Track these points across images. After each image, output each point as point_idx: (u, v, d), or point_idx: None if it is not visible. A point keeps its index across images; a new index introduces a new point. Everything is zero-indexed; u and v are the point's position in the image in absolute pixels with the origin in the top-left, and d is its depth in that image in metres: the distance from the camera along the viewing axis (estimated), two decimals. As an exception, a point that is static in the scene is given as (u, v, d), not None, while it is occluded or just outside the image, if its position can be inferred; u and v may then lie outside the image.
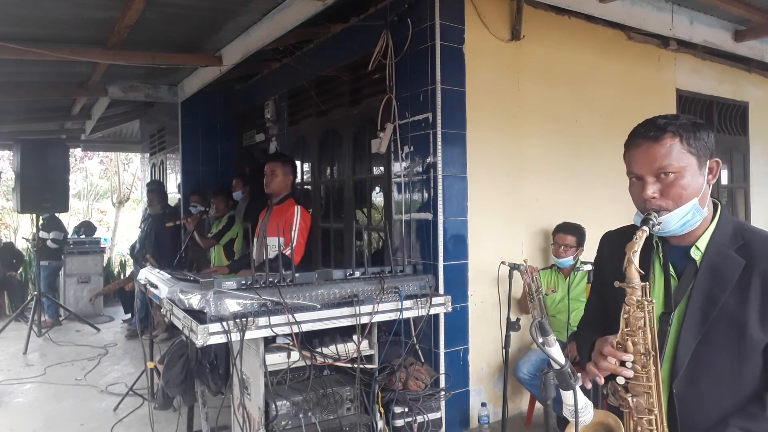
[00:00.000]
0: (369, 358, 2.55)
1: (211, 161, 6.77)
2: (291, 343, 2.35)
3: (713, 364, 1.31)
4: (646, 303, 1.29)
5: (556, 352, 1.49)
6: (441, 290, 3.38)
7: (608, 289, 1.43)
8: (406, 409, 2.62)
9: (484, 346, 3.72)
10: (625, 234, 1.44)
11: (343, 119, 4.66)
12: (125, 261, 10.45)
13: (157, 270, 3.06)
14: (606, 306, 1.51)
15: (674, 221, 1.31)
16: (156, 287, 2.70)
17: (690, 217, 1.31)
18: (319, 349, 2.42)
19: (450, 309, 2.69)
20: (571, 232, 3.70)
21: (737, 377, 1.29)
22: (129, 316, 6.98)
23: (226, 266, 4.11)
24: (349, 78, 4.49)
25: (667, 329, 1.34)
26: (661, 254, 1.40)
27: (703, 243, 1.35)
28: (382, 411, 2.57)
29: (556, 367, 1.49)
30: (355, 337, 2.45)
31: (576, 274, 3.66)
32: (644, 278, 1.32)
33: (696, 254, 1.35)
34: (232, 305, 2.16)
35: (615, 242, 1.49)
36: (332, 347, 2.44)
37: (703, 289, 1.32)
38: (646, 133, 1.33)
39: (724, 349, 1.30)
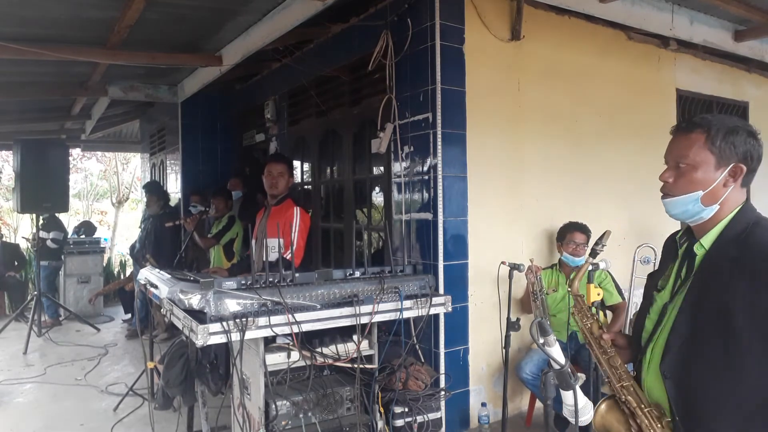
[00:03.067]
0: (369, 358, 2.55)
1: (211, 161, 6.77)
2: (291, 343, 2.35)
3: (704, 356, 1.34)
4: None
5: (556, 352, 1.50)
6: (441, 290, 3.38)
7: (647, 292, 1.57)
8: (406, 409, 2.62)
9: (484, 346, 3.72)
10: (678, 232, 1.54)
11: (343, 119, 4.66)
12: (125, 261, 10.45)
13: (157, 270, 3.05)
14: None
15: (675, 208, 1.42)
16: (156, 287, 2.70)
17: (690, 208, 1.39)
18: (319, 349, 2.42)
19: (450, 309, 2.69)
20: (585, 231, 3.75)
21: (732, 371, 1.30)
22: (129, 316, 6.98)
23: (226, 269, 4.12)
24: (349, 78, 4.49)
25: (662, 319, 1.43)
26: (681, 248, 1.49)
27: (708, 239, 1.40)
28: (382, 411, 2.57)
29: (556, 367, 1.50)
30: (355, 337, 2.45)
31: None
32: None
33: (699, 250, 1.41)
34: (232, 305, 2.16)
35: (669, 241, 1.58)
36: (332, 347, 2.44)
37: (698, 284, 1.38)
38: (680, 125, 1.44)
39: (713, 343, 1.32)
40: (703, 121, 1.38)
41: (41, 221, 7.15)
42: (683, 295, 1.40)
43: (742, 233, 1.35)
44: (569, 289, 1.63)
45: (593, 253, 1.68)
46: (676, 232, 1.55)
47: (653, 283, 1.53)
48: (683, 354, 1.36)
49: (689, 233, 1.47)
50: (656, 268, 1.63)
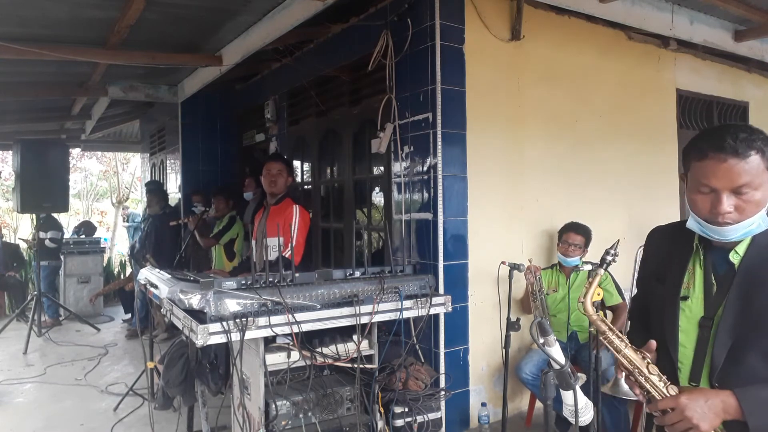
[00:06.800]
0: (369, 358, 2.55)
1: (211, 161, 6.77)
2: (291, 343, 2.35)
3: (747, 364, 1.30)
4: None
5: (556, 352, 1.50)
6: (441, 290, 3.38)
7: (649, 284, 1.55)
8: (406, 409, 2.62)
9: (484, 346, 3.72)
10: (674, 231, 1.50)
11: (343, 119, 4.66)
12: (125, 261, 10.45)
13: (157, 270, 3.06)
14: (646, 299, 1.59)
15: (740, 231, 1.32)
16: (156, 287, 2.70)
17: (755, 227, 1.32)
18: (319, 349, 2.42)
19: (450, 309, 2.69)
20: (581, 232, 3.71)
21: None
22: (129, 316, 6.98)
23: (228, 272, 4.13)
24: (349, 78, 4.49)
25: (707, 334, 1.37)
26: (702, 257, 1.42)
27: (742, 247, 1.35)
28: (382, 411, 2.56)
29: (556, 367, 1.50)
30: (355, 337, 2.45)
31: (578, 274, 3.65)
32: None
33: (735, 258, 1.36)
34: (232, 305, 2.16)
35: (662, 239, 1.56)
36: (332, 347, 2.44)
37: (740, 291, 1.33)
38: (734, 149, 1.26)
39: (757, 350, 1.29)
40: (752, 140, 1.27)
41: (39, 221, 7.15)
42: (723, 306, 1.35)
43: None
44: (584, 313, 1.55)
45: (603, 262, 1.62)
46: (676, 226, 1.50)
47: (668, 281, 1.46)
48: (726, 366, 1.32)
49: (703, 239, 1.41)
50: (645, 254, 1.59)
